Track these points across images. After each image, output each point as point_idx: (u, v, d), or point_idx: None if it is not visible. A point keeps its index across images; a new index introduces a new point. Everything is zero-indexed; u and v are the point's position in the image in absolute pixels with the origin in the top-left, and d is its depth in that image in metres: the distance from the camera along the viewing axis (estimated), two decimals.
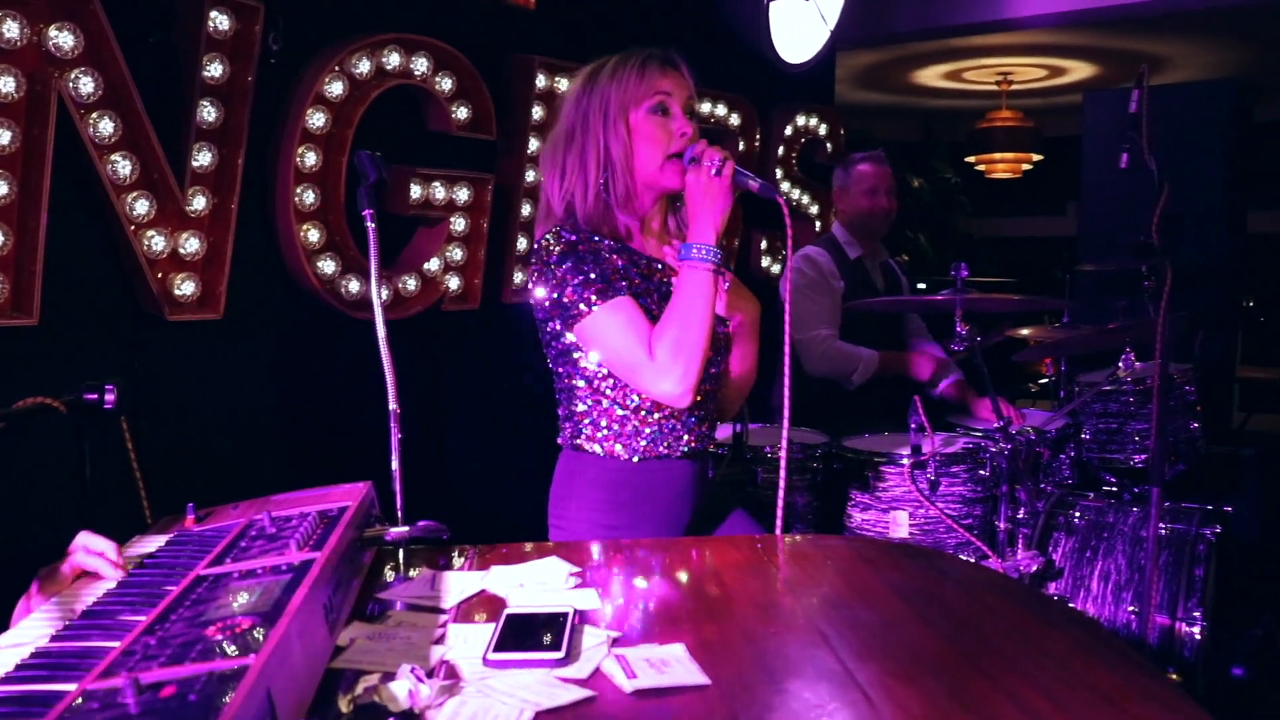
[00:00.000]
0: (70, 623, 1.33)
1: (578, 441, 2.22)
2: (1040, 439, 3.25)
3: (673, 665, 1.34)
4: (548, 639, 1.39)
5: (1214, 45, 7.03)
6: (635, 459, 2.18)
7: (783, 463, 2.06)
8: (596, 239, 2.14)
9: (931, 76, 7.99)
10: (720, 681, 1.29)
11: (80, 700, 1.03)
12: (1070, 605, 2.92)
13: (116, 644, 1.20)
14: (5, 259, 2.35)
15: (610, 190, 2.14)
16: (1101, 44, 7.05)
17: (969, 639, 1.49)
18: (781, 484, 2.09)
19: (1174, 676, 2.92)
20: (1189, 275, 5.16)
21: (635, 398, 2.15)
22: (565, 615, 1.46)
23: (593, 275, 2.07)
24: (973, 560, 2.93)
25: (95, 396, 1.91)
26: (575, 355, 2.16)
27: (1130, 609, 2.99)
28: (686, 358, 2.03)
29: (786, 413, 2.09)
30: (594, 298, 2.06)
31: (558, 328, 2.15)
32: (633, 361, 2.06)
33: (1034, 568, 2.98)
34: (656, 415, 2.17)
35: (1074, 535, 3.16)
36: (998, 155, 8.06)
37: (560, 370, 2.22)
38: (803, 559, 1.92)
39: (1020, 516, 3.03)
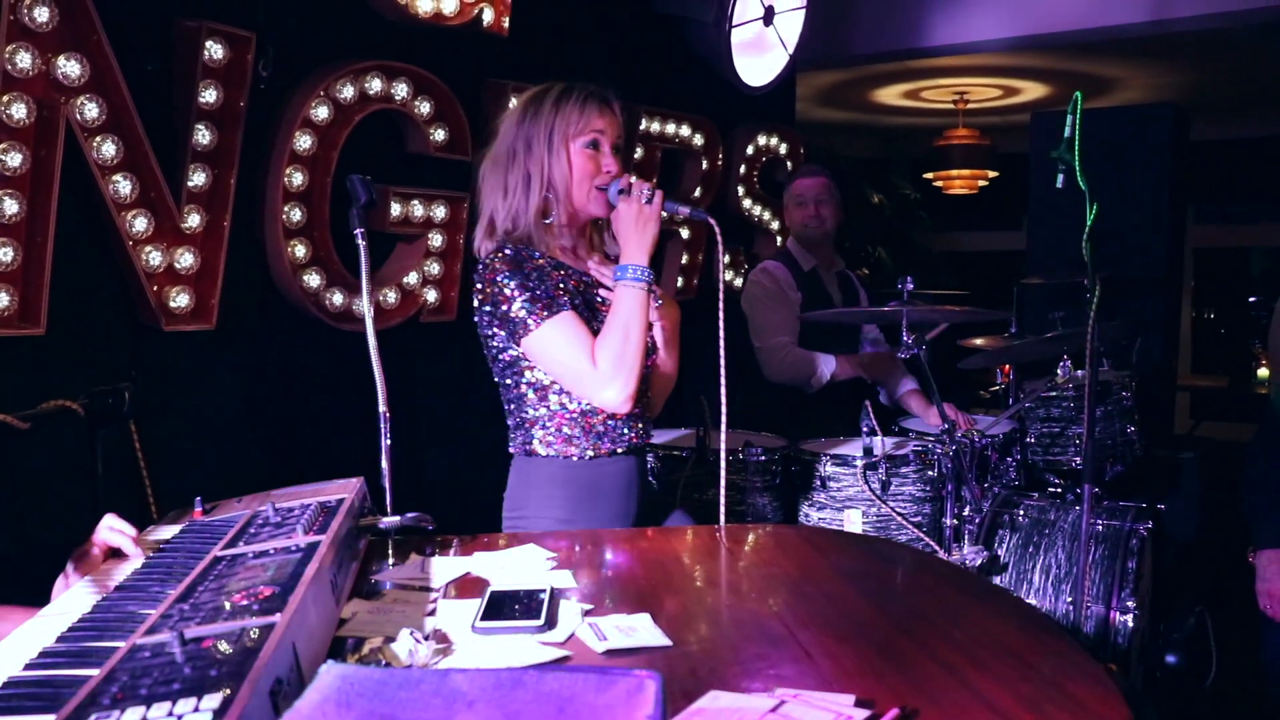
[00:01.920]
0: (108, 594, 1.50)
1: (530, 447, 2.38)
2: (986, 442, 3.46)
3: (639, 630, 1.52)
4: (528, 610, 1.57)
5: (1158, 68, 7.32)
6: (588, 456, 2.36)
7: (722, 455, 2.26)
8: (538, 256, 2.32)
9: (891, 95, 8.23)
10: (680, 643, 1.48)
11: (131, 651, 1.21)
12: (1003, 588, 3.12)
13: (154, 610, 1.37)
14: (14, 273, 2.51)
15: (551, 210, 2.35)
16: (1053, 65, 7.31)
17: (901, 610, 1.69)
18: (723, 478, 2.29)
19: (1112, 666, 3.13)
20: (1130, 287, 5.42)
21: (581, 402, 2.33)
22: (543, 591, 1.64)
23: (538, 292, 2.25)
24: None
25: (111, 400, 2.08)
26: (522, 365, 2.34)
27: (1068, 600, 3.20)
28: (628, 367, 2.23)
29: (724, 410, 2.29)
30: (541, 312, 2.24)
31: (502, 342, 2.32)
32: (578, 371, 2.25)
33: (979, 562, 3.18)
34: (601, 416, 2.35)
35: (1018, 532, 3.36)
36: (955, 172, 8.31)
37: (508, 381, 2.38)
38: (757, 545, 2.11)
39: (966, 514, 3.24)
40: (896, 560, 2.04)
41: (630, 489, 2.43)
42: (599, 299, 2.37)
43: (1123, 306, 5.42)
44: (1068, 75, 7.52)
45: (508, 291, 2.26)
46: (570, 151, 2.32)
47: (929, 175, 8.62)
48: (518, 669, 1.16)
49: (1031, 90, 8.07)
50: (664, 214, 2.34)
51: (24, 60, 2.45)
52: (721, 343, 2.32)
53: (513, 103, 3.72)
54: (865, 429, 3.18)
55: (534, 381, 2.34)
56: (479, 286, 2.32)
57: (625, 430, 2.39)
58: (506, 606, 1.59)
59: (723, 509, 2.32)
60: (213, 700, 1.01)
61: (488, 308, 2.31)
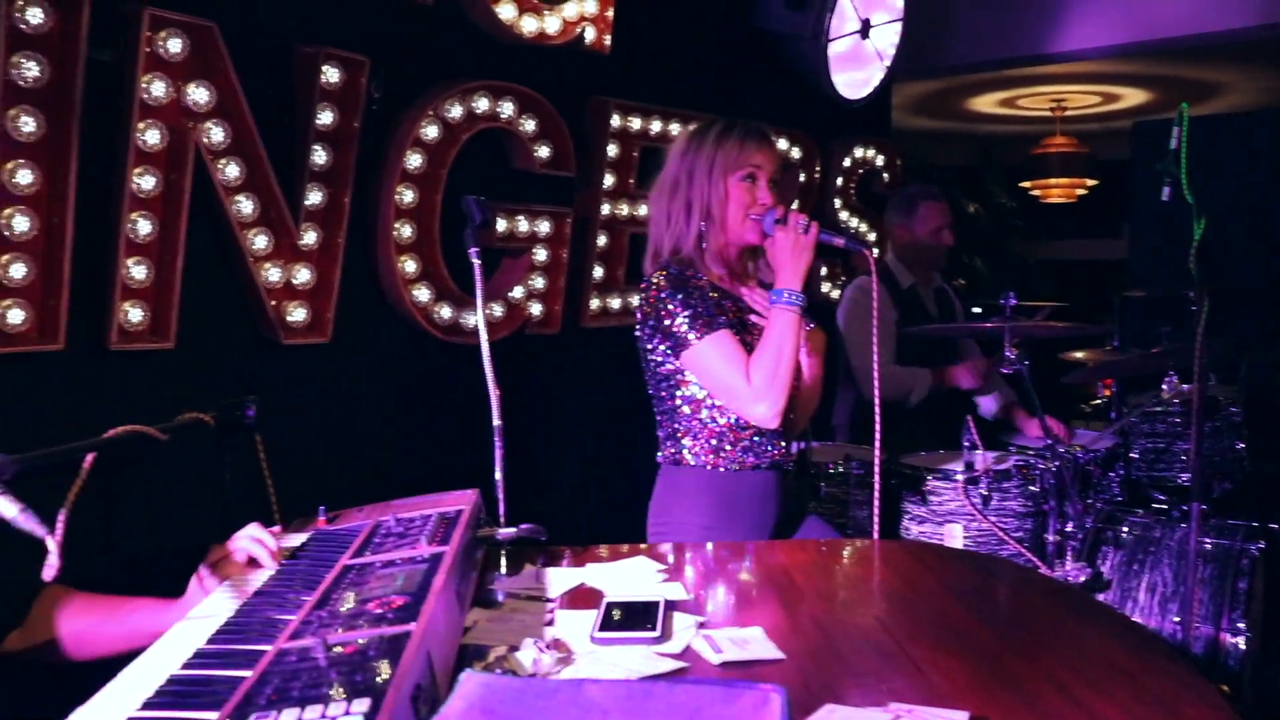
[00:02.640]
0: (248, 600, 1.58)
1: (679, 456, 2.54)
2: (1087, 457, 3.43)
3: (752, 643, 1.56)
4: (644, 622, 1.62)
5: (1266, 72, 7.13)
6: (733, 468, 2.50)
7: (876, 473, 2.30)
8: (699, 277, 2.49)
9: (987, 103, 8.14)
10: (793, 656, 1.52)
11: (278, 655, 1.28)
12: (1110, 606, 3.08)
13: (293, 616, 1.45)
14: (147, 290, 2.63)
15: (707, 237, 2.52)
16: (1154, 71, 7.17)
17: (1009, 627, 1.71)
18: (876, 493, 2.33)
19: (1224, 688, 3.08)
20: (1236, 300, 5.29)
21: (731, 416, 2.47)
22: (658, 603, 1.69)
23: (699, 309, 2.42)
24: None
25: (239, 412, 2.18)
26: (679, 379, 2.50)
27: (1175, 619, 3.15)
28: (779, 385, 2.37)
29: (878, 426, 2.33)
30: (701, 328, 2.40)
31: (662, 356, 2.48)
32: (733, 386, 2.39)
33: (1082, 579, 3.15)
34: (749, 431, 2.49)
35: (1122, 549, 3.32)
36: (1052, 181, 8.20)
37: (664, 393, 2.55)
38: (863, 559, 2.14)
39: (1069, 530, 3.21)
40: (1002, 576, 2.04)
41: (769, 502, 2.54)
42: (752, 322, 2.50)
43: (1229, 319, 5.29)
44: (1170, 81, 7.38)
45: (671, 307, 2.42)
46: (728, 184, 2.49)
47: (1026, 184, 8.50)
48: (648, 680, 1.21)
49: (1132, 96, 7.93)
50: (821, 243, 2.47)
51: (158, 89, 2.57)
52: (876, 357, 2.48)
53: (615, 119, 3.79)
54: (967, 443, 3.17)
55: (689, 395, 2.49)
56: (642, 303, 2.50)
57: (769, 446, 2.52)
58: (622, 617, 1.65)
59: (876, 525, 2.43)
60: (362, 704, 1.08)
61: (650, 323, 2.47)
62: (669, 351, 2.46)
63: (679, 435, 2.53)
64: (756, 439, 2.50)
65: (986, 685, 1.41)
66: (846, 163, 4.98)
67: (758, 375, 2.37)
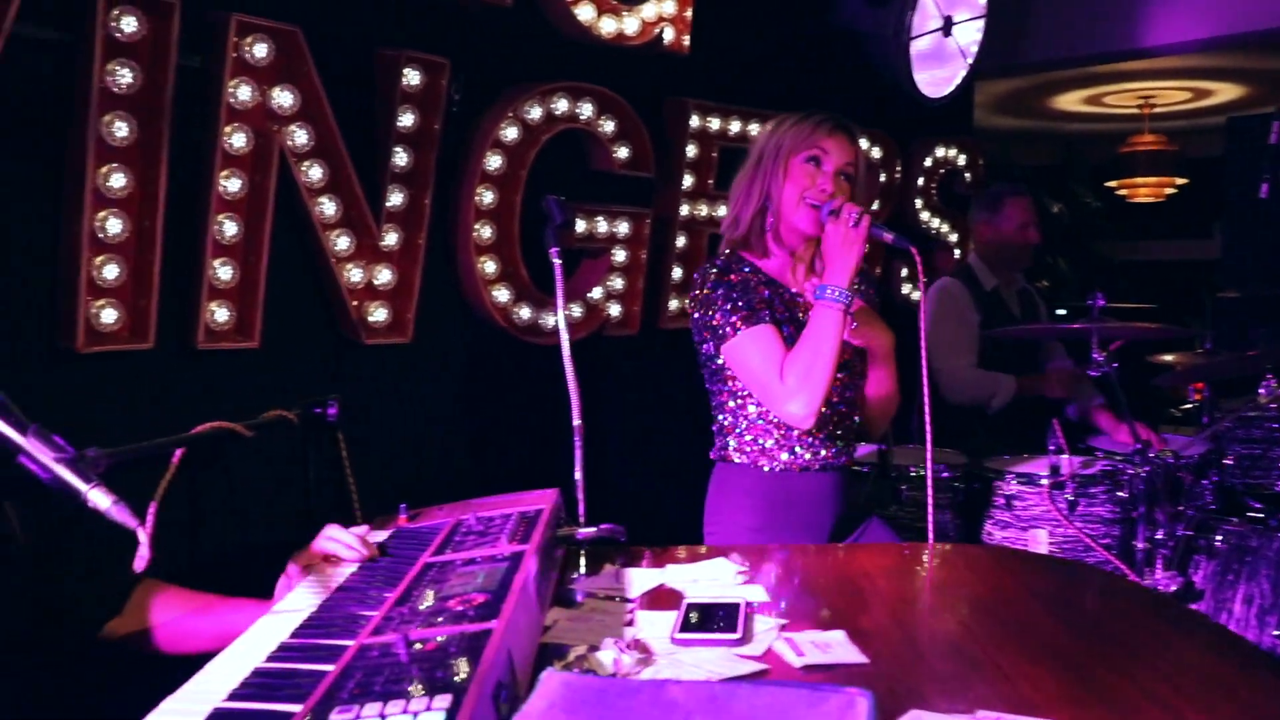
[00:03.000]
0: (330, 595, 1.60)
1: (725, 454, 2.49)
2: (1179, 463, 3.34)
3: (834, 647, 1.54)
4: (724, 623, 1.60)
5: None
6: (778, 470, 2.43)
7: (929, 474, 2.25)
8: (746, 269, 2.44)
9: (1071, 101, 7.98)
10: (877, 661, 1.49)
11: (360, 650, 1.29)
12: (1203, 615, 2.99)
13: (376, 612, 1.46)
14: (232, 290, 2.68)
15: (764, 218, 2.45)
16: (1249, 65, 6.97)
17: (1098, 635, 1.65)
18: (930, 497, 2.29)
19: None
20: None
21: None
22: (738, 605, 1.67)
23: (740, 302, 2.36)
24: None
25: (321, 410, 2.21)
26: (727, 373, 2.44)
27: (1275, 633, 3.05)
28: (813, 384, 2.27)
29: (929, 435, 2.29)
30: (739, 322, 2.34)
31: (711, 349, 2.43)
32: (766, 382, 2.33)
33: (1173, 588, 3.07)
34: (796, 431, 2.41)
35: (1215, 558, 3.23)
36: (1139, 180, 8.01)
37: (714, 387, 2.51)
38: (946, 564, 2.10)
39: (1159, 538, 3.13)
40: (1090, 583, 1.99)
41: (825, 507, 2.47)
42: (803, 320, 2.41)
43: None
44: (1265, 75, 7.16)
45: (714, 298, 2.38)
46: (790, 163, 2.41)
47: (1112, 183, 8.32)
48: (730, 682, 1.19)
49: (1225, 92, 7.71)
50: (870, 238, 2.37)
51: (244, 93, 2.62)
52: (924, 364, 2.39)
53: (694, 120, 3.79)
54: (1052, 448, 3.10)
55: (736, 390, 2.45)
56: (693, 293, 2.47)
57: (821, 449, 2.45)
58: (703, 619, 1.63)
59: (930, 528, 2.34)
60: (444, 700, 1.07)
61: (697, 314, 2.44)
62: (712, 344, 2.41)
63: (726, 431, 2.49)
64: (806, 439, 2.43)
65: (1076, 696, 1.37)
66: (928, 162, 4.91)
67: (791, 372, 2.28)
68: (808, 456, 2.44)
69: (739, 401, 2.45)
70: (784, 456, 2.44)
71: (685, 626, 1.60)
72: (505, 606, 1.37)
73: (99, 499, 1.31)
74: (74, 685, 1.74)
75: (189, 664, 1.39)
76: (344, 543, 1.80)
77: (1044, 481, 3.16)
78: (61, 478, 1.34)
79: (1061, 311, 3.35)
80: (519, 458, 3.31)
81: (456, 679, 1.14)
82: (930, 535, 2.33)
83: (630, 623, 1.67)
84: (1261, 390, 3.56)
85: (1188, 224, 9.27)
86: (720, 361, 2.44)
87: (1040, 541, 3.17)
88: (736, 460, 2.47)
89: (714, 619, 1.63)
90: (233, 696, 1.22)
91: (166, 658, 1.79)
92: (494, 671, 1.17)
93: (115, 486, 1.39)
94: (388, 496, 2.26)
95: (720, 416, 2.51)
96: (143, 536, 1.31)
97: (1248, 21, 5.51)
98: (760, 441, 2.44)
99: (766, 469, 2.44)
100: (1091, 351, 3.02)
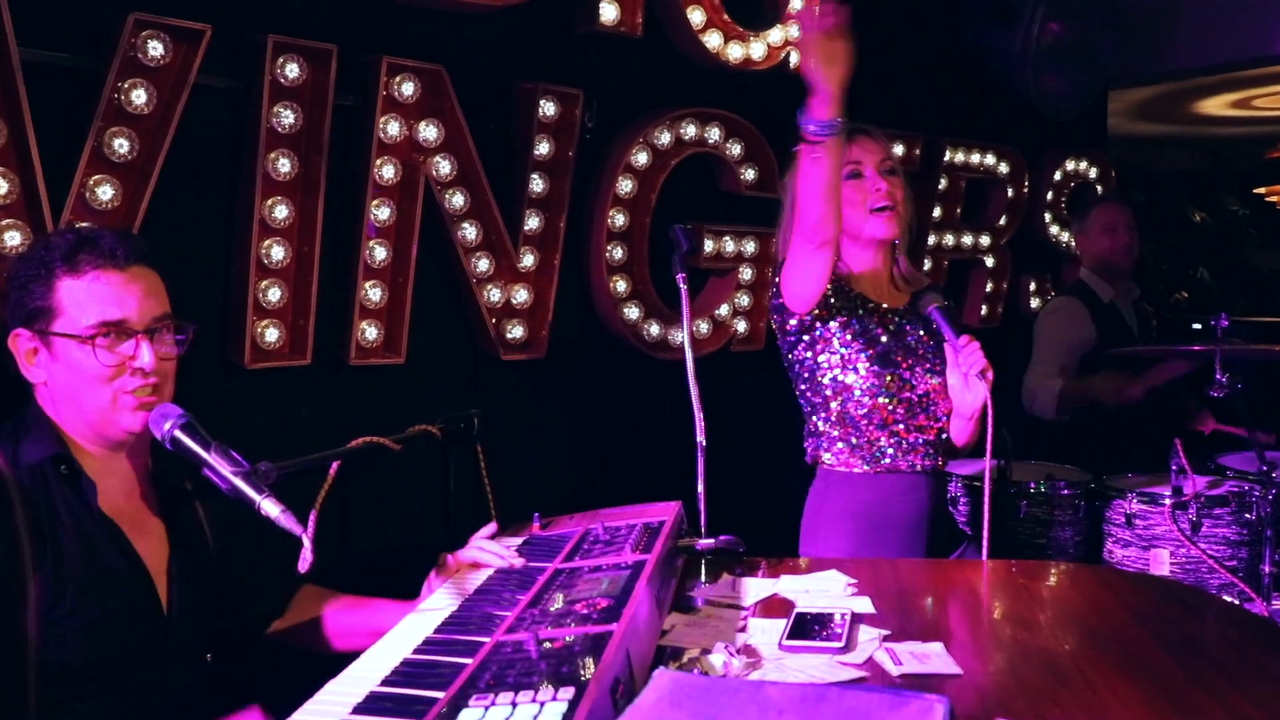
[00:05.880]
0: (469, 597, 1.77)
1: (818, 455, 2.58)
2: None
3: (932, 658, 1.64)
4: (830, 632, 1.72)
5: None
6: (872, 471, 2.50)
7: (986, 484, 2.31)
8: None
9: (1217, 106, 7.76)
10: (970, 673, 1.59)
11: (496, 646, 1.45)
12: None
13: (509, 612, 1.62)
14: (382, 310, 2.90)
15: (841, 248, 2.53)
16: None
17: (1197, 660, 1.70)
18: (986, 515, 2.35)
19: None
20: None
21: (865, 403, 2.48)
22: (844, 615, 1.79)
23: None
24: (1231, 599, 3.04)
25: (464, 424, 2.40)
26: (812, 370, 2.54)
27: None
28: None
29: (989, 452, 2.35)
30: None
31: (794, 339, 2.53)
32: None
33: None
34: (884, 432, 2.48)
35: None
36: None
37: (801, 388, 2.60)
38: (1050, 582, 2.16)
39: None
40: (1197, 607, 2.03)
41: (921, 519, 2.52)
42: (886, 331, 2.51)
43: None
44: None
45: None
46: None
47: (1261, 190, 8.05)
48: (822, 685, 1.31)
49: None
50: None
51: (393, 129, 2.83)
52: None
53: None
54: (1175, 467, 3.11)
55: (824, 388, 2.53)
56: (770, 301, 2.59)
57: (911, 453, 2.50)
58: (810, 627, 1.75)
59: (985, 541, 2.39)
60: (567, 693, 1.22)
61: (773, 304, 2.56)
62: (785, 314, 2.50)
63: (819, 434, 2.57)
64: (894, 440, 2.48)
65: (1160, 712, 1.44)
66: (1057, 176, 4.90)
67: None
68: (899, 457, 2.49)
69: (826, 398, 2.53)
70: (877, 456, 2.49)
71: (793, 634, 1.72)
72: (625, 611, 1.51)
73: (269, 508, 1.51)
74: (240, 676, 1.95)
75: (335, 662, 1.57)
76: (494, 552, 1.97)
77: (1167, 501, 3.16)
78: (239, 488, 1.54)
79: (1197, 326, 3.30)
80: (646, 469, 3.46)
81: (580, 675, 1.29)
82: (985, 549, 2.38)
83: (743, 629, 1.80)
84: None
85: None
86: (807, 356, 2.53)
87: (1162, 562, 3.17)
88: (828, 463, 2.54)
89: (820, 628, 1.74)
90: (385, 683, 1.39)
91: (321, 655, 1.99)
92: (613, 669, 1.32)
93: (281, 495, 1.59)
94: (522, 505, 2.44)
95: (810, 418, 2.60)
96: (306, 541, 1.50)
97: None
98: (854, 440, 2.50)
99: (861, 471, 2.50)
100: (1215, 373, 3.02)
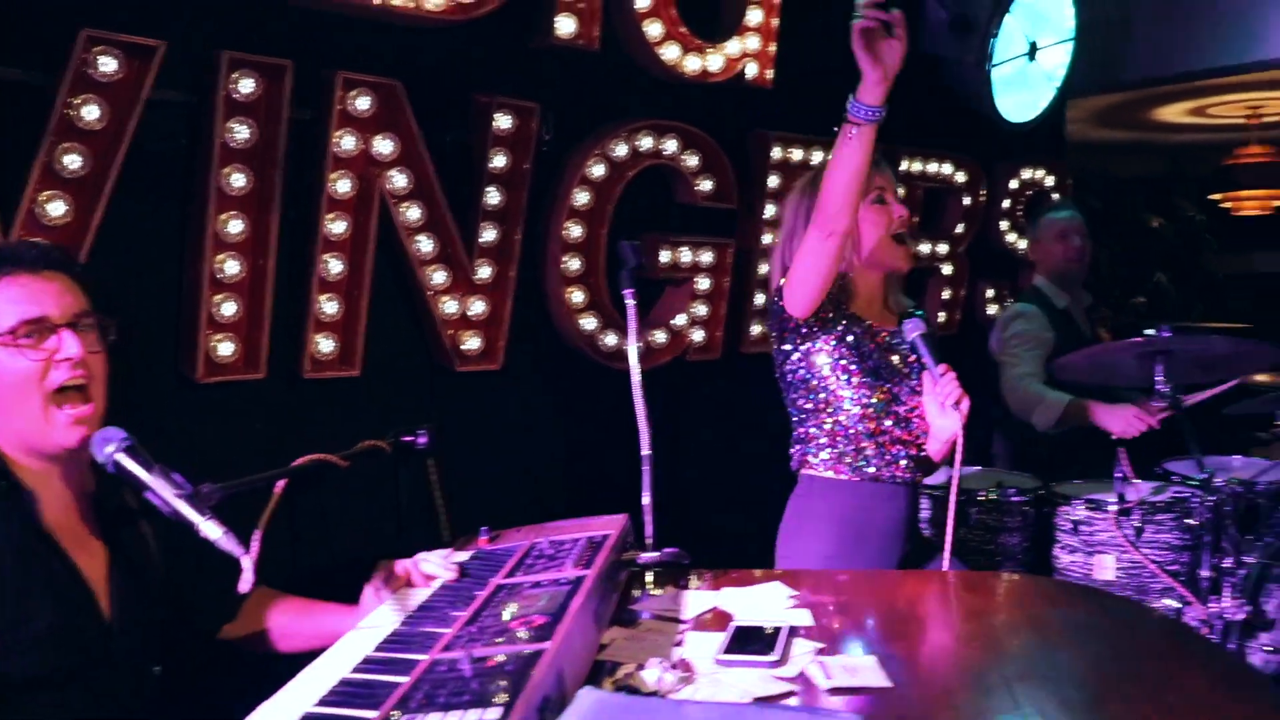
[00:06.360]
0: (411, 613, 1.80)
1: (805, 459, 2.65)
2: (1253, 490, 3.36)
3: (863, 671, 1.68)
4: (766, 646, 1.76)
5: None
6: (856, 479, 2.58)
7: (950, 511, 2.37)
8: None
9: (1174, 113, 7.88)
10: (900, 686, 1.63)
11: (431, 665, 1.48)
12: (1224, 648, 3.02)
13: (448, 630, 1.65)
14: (337, 323, 2.93)
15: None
16: None
17: (1118, 669, 1.75)
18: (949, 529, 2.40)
19: None
20: None
21: (854, 413, 2.57)
22: (781, 629, 1.82)
23: None
24: (1172, 605, 3.11)
25: (412, 439, 2.42)
26: (805, 380, 2.62)
27: None
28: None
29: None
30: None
31: (791, 348, 2.61)
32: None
33: (1240, 616, 3.10)
34: (871, 442, 2.57)
35: None
36: (1246, 193, 7.88)
37: (793, 396, 2.67)
38: (988, 593, 2.21)
39: (1226, 566, 3.16)
40: (1124, 618, 2.08)
41: (899, 529, 2.62)
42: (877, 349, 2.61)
43: None
44: None
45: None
46: (860, 210, 2.54)
47: (1217, 196, 8.18)
48: (742, 704, 1.35)
49: None
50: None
51: (349, 143, 2.86)
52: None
53: (775, 152, 3.93)
54: (1119, 475, 3.18)
55: (813, 391, 2.62)
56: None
57: (897, 461, 2.60)
58: (747, 641, 1.78)
59: (947, 551, 2.45)
60: (494, 713, 1.26)
61: (773, 306, 2.64)
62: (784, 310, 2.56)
63: (807, 439, 2.64)
64: (880, 448, 2.57)
65: None
66: (1013, 185, 4.98)
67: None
68: (884, 466, 2.58)
69: (816, 403, 2.61)
70: (863, 464, 2.58)
71: (730, 648, 1.76)
72: (560, 628, 1.54)
73: (210, 531, 1.54)
74: (190, 686, 1.98)
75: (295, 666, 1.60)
76: (436, 564, 2.00)
77: (1111, 507, 3.22)
78: (179, 511, 1.57)
79: (1150, 332, 3.35)
80: (602, 480, 3.48)
81: (508, 694, 1.32)
82: (946, 559, 2.45)
83: (680, 643, 1.83)
84: None
85: None
86: (796, 359, 2.61)
87: (1106, 567, 3.23)
88: (814, 468, 2.62)
89: (757, 642, 1.78)
90: (321, 703, 1.42)
91: (276, 661, 2.02)
92: (542, 688, 1.35)
93: (224, 513, 1.61)
94: (478, 517, 2.46)
95: (798, 424, 2.68)
96: (246, 564, 1.53)
97: None
98: (841, 446, 2.59)
99: (846, 478, 2.58)
100: (1156, 385, 3.09)
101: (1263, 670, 3.10)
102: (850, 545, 2.57)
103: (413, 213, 3.03)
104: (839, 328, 2.59)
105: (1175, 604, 3.16)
